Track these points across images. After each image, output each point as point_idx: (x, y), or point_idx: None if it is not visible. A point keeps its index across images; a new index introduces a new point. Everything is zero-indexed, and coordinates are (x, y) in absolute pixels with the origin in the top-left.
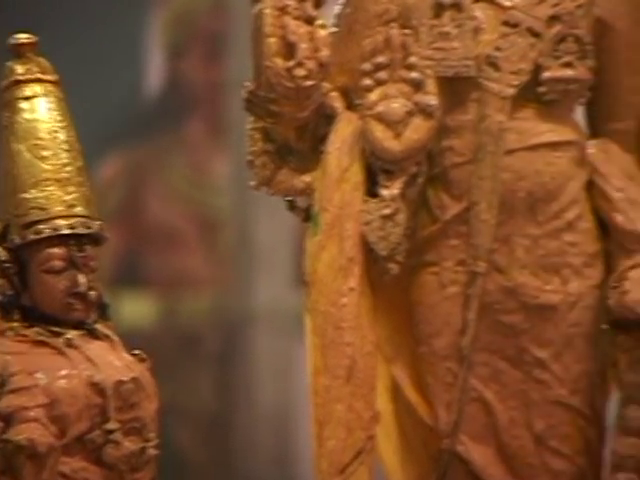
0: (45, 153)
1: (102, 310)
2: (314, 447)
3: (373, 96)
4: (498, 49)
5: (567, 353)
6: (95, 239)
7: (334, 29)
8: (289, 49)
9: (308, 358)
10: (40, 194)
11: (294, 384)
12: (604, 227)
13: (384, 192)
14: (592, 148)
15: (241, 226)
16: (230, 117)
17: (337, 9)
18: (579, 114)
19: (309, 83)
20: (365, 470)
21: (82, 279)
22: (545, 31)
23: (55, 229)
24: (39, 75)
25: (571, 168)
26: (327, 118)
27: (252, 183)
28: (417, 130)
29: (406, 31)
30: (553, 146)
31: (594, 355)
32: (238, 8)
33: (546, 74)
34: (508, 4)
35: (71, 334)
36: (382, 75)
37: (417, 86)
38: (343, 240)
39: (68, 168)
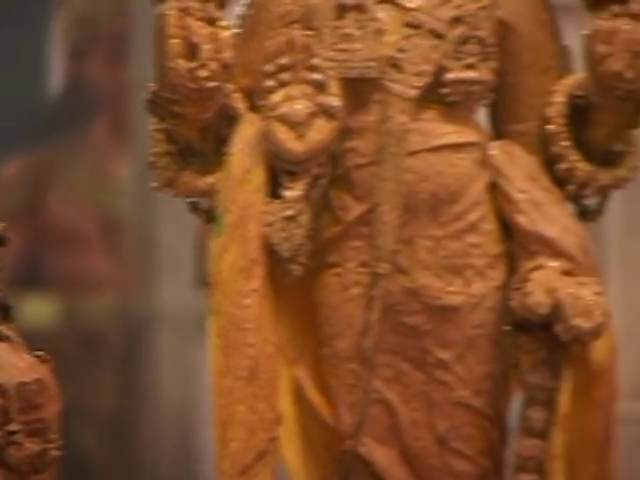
0: None
1: (6, 312)
2: (217, 448)
3: (276, 97)
4: (401, 50)
5: (470, 354)
6: None
7: (238, 30)
8: (192, 50)
9: (210, 359)
10: None
11: (197, 385)
12: (507, 229)
13: (287, 193)
14: (495, 150)
15: (144, 227)
16: (133, 118)
17: (240, 10)
18: (481, 116)
19: (212, 84)
20: (268, 472)
21: None
22: (448, 33)
23: None
24: None
25: (474, 169)
26: (230, 119)
27: (154, 184)
28: (320, 131)
29: (309, 32)
30: (455, 148)
31: (497, 356)
32: (141, 9)
33: (449, 76)
34: (411, 6)
35: None
36: (285, 76)
37: (320, 87)
38: (246, 241)
39: None
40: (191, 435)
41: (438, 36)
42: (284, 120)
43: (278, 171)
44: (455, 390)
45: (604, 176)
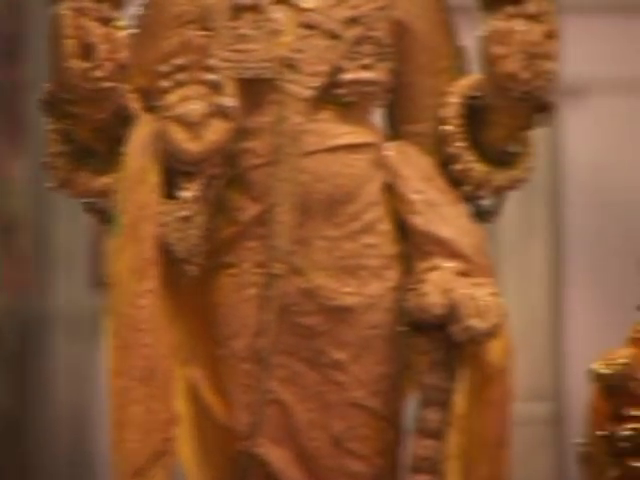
0: None
1: None
2: (112, 449)
3: (172, 98)
4: (296, 51)
5: (366, 355)
6: None
7: (134, 30)
8: (87, 50)
9: (106, 359)
10: None
11: (92, 385)
12: (403, 229)
13: (183, 194)
14: (390, 150)
15: (39, 228)
16: (28, 118)
17: (137, 10)
18: (377, 116)
19: (107, 84)
20: (163, 472)
21: None
22: (344, 33)
23: None
24: None
25: (369, 170)
26: (125, 120)
27: (50, 185)
28: (215, 132)
29: (205, 33)
30: (351, 148)
31: (393, 357)
32: (36, 9)
33: (345, 76)
34: (306, 6)
35: None
36: (181, 77)
37: (215, 88)
38: (141, 242)
39: None
40: (86, 435)
41: (334, 36)
42: (180, 121)
43: (174, 172)
44: (350, 391)
45: (500, 177)
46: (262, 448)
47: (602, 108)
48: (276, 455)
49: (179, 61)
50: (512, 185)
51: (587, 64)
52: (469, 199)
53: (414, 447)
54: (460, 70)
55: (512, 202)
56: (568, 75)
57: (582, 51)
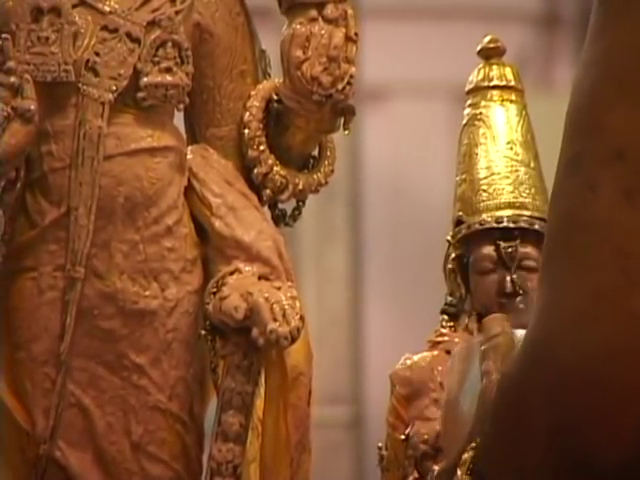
0: None
1: None
2: None
3: None
4: (97, 54)
5: (165, 359)
6: None
7: None
8: None
9: None
10: None
11: None
12: (202, 233)
13: None
14: (191, 153)
15: None
16: None
17: None
18: (180, 119)
19: None
20: None
21: None
22: (144, 36)
23: None
24: None
25: (170, 173)
26: None
27: None
28: (15, 135)
29: (4, 35)
30: (152, 151)
31: (191, 361)
32: None
33: (145, 79)
34: (107, 9)
35: None
36: None
37: (15, 91)
38: None
39: None
40: None
41: (134, 40)
42: None
43: None
44: (151, 394)
45: (301, 180)
46: (60, 452)
47: (400, 111)
48: (75, 459)
49: None
50: (313, 189)
51: (386, 68)
52: (270, 203)
53: (214, 450)
54: (262, 74)
55: (312, 205)
56: (367, 79)
57: (381, 55)
